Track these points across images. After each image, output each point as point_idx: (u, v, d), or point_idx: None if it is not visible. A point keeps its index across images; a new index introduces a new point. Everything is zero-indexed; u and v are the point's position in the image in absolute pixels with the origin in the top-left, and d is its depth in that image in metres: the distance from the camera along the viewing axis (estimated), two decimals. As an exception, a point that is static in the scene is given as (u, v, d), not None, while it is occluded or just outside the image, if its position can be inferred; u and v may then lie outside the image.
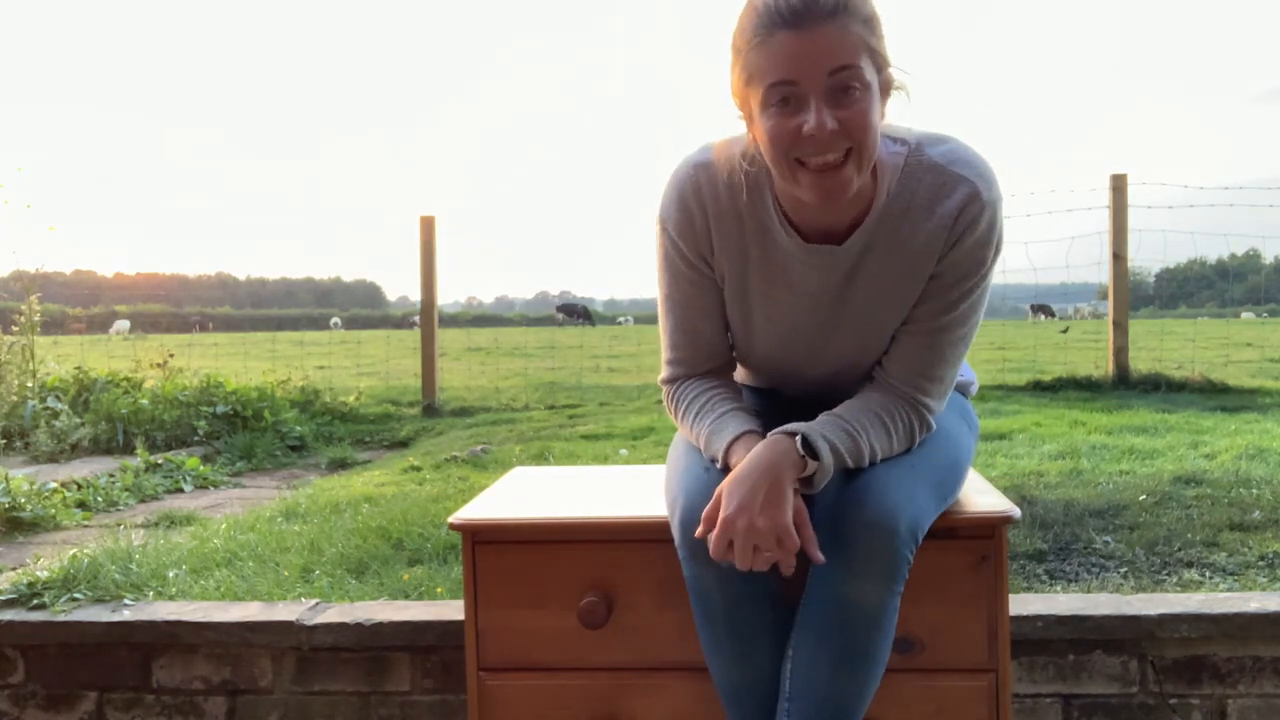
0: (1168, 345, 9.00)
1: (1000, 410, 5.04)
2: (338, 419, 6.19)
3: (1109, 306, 6.32)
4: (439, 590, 2.39)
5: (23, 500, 3.56)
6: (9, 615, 2.28)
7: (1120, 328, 6.12)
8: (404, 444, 5.57)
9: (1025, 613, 2.05)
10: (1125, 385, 5.97)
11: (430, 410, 6.47)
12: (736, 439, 1.46)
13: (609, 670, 1.59)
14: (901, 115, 1.43)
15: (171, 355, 6.76)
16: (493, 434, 5.30)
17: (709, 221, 1.49)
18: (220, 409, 5.67)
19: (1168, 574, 2.40)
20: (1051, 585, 2.36)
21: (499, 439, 5.07)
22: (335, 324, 40.11)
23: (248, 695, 2.23)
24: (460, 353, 12.31)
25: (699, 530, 1.38)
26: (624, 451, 4.39)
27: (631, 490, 1.81)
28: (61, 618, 2.26)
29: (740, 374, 1.73)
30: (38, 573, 2.44)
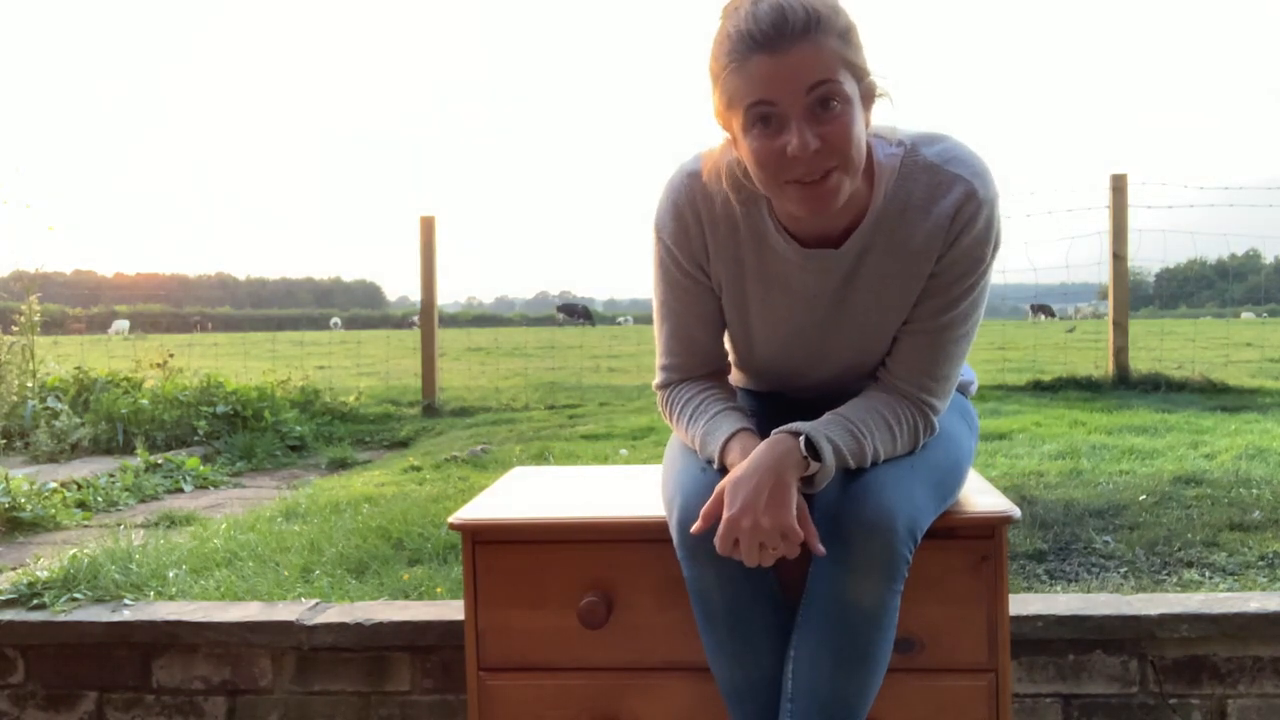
0: (1168, 345, 9.00)
1: (1000, 410, 5.04)
2: (338, 419, 6.19)
3: (1109, 306, 6.31)
4: (439, 590, 2.39)
5: (23, 500, 3.56)
6: (9, 615, 2.28)
7: (1120, 328, 6.12)
8: (404, 444, 5.58)
9: (1025, 613, 2.05)
10: (1125, 385, 5.97)
11: (430, 410, 6.47)
12: (731, 437, 1.46)
13: (609, 670, 1.59)
14: (897, 118, 1.43)
15: (171, 355, 6.75)
16: (493, 434, 5.30)
17: (704, 230, 1.49)
18: (220, 409, 5.67)
19: (1168, 574, 2.40)
20: (1051, 585, 2.36)
21: (499, 439, 5.07)
22: (335, 324, 40.14)
23: (248, 695, 2.23)
24: (460, 353, 12.30)
25: (696, 525, 1.38)
26: (624, 451, 4.39)
27: (631, 490, 1.81)
28: (61, 618, 2.26)
29: (743, 378, 1.73)
30: (38, 573, 2.44)
